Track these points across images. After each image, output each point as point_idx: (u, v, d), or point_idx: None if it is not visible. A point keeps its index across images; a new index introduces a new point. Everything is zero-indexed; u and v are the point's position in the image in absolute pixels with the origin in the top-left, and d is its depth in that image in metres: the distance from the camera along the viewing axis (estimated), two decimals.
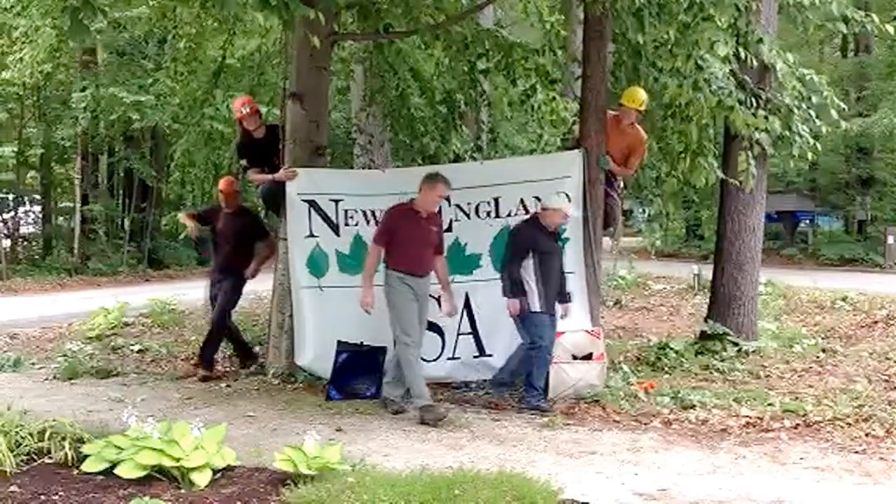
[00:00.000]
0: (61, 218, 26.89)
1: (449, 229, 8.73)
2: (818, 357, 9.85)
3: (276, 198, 9.04)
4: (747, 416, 7.26)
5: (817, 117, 8.98)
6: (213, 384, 8.84)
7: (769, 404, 7.60)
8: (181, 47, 12.91)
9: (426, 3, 10.18)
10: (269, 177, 8.98)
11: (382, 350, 8.36)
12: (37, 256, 25.13)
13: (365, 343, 8.48)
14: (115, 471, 5.18)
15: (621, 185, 9.46)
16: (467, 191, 8.76)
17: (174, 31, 13.13)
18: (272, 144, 9.15)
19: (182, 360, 10.26)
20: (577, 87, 9.64)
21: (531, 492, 4.83)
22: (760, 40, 8.42)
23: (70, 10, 6.61)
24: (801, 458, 6.16)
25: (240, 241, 9.37)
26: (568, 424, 7.17)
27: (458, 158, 11.57)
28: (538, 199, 8.62)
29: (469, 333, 8.68)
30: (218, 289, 9.40)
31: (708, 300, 10.74)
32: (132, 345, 11.11)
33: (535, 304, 7.77)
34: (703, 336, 10.04)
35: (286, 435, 6.62)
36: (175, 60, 13.10)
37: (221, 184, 9.66)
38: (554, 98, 11.37)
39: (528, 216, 8.37)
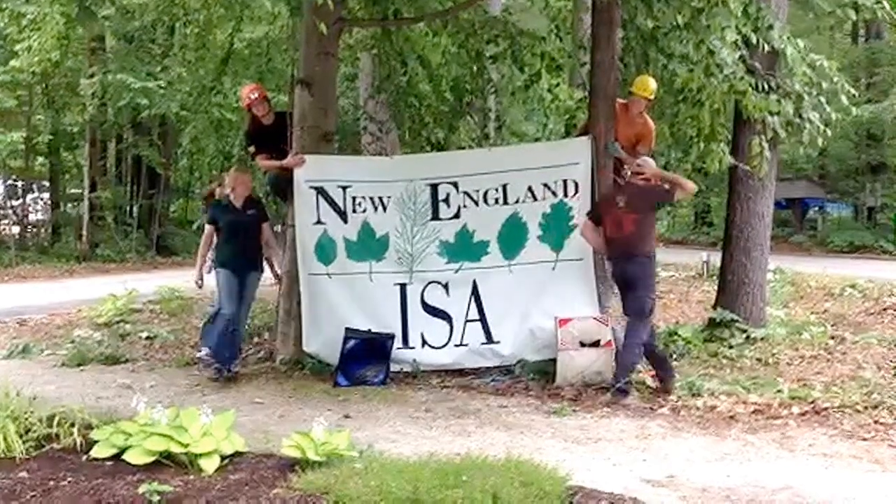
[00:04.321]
0: (70, 205, 26.97)
1: (457, 216, 8.75)
2: (827, 344, 9.81)
3: (283, 184, 9.04)
4: (755, 403, 7.25)
5: (827, 103, 8.92)
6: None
7: (777, 391, 7.58)
8: (189, 34, 12.89)
9: None
10: (278, 163, 8.97)
11: (390, 337, 8.39)
12: (45, 243, 25.22)
13: (373, 330, 8.50)
14: (124, 457, 5.20)
15: (629, 173, 9.43)
16: (475, 178, 8.74)
17: (182, 18, 13.10)
18: (281, 131, 9.13)
19: (190, 346, 10.28)
20: (585, 74, 9.60)
21: (539, 478, 4.82)
22: (771, 26, 8.36)
23: None
24: (810, 445, 6.14)
25: None
26: (575, 411, 7.17)
27: (465, 145, 11.57)
28: (546, 185, 8.63)
29: (477, 320, 8.68)
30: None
31: (716, 287, 10.71)
32: (140, 331, 11.14)
33: None
34: (712, 323, 10.01)
35: (294, 421, 6.63)
36: (183, 47, 13.09)
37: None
38: (558, 85, 11.33)
39: None
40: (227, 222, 8.72)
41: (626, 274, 7.84)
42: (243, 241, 8.68)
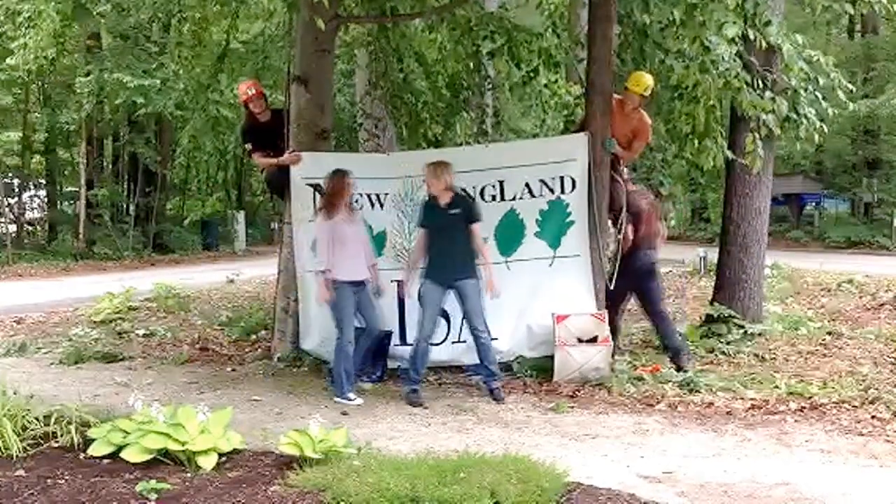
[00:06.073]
0: (66, 203, 26.97)
1: None
2: (824, 340, 9.83)
3: (280, 182, 9.02)
4: (753, 399, 7.26)
5: (824, 99, 8.92)
6: (217, 368, 8.87)
7: (775, 387, 7.59)
8: (185, 31, 12.88)
9: None
10: (274, 160, 8.96)
11: (387, 334, 8.35)
12: (42, 241, 25.22)
13: None
14: (121, 455, 5.20)
15: (625, 170, 9.43)
16: (472, 174, 8.71)
17: (178, 15, 13.08)
18: (277, 128, 9.13)
19: (187, 344, 10.28)
20: (582, 70, 9.59)
21: (536, 474, 4.83)
22: (769, 23, 8.35)
23: None
24: (807, 441, 6.15)
25: None
26: (573, 408, 7.17)
27: (462, 142, 11.56)
28: (543, 182, 8.62)
29: None
30: None
31: (713, 283, 10.72)
32: (138, 329, 11.13)
33: None
34: (709, 319, 10.01)
35: (292, 419, 6.63)
36: (179, 45, 13.07)
37: None
38: (556, 81, 11.33)
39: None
40: (431, 224, 7.77)
41: (656, 264, 8.90)
42: (448, 245, 7.62)
